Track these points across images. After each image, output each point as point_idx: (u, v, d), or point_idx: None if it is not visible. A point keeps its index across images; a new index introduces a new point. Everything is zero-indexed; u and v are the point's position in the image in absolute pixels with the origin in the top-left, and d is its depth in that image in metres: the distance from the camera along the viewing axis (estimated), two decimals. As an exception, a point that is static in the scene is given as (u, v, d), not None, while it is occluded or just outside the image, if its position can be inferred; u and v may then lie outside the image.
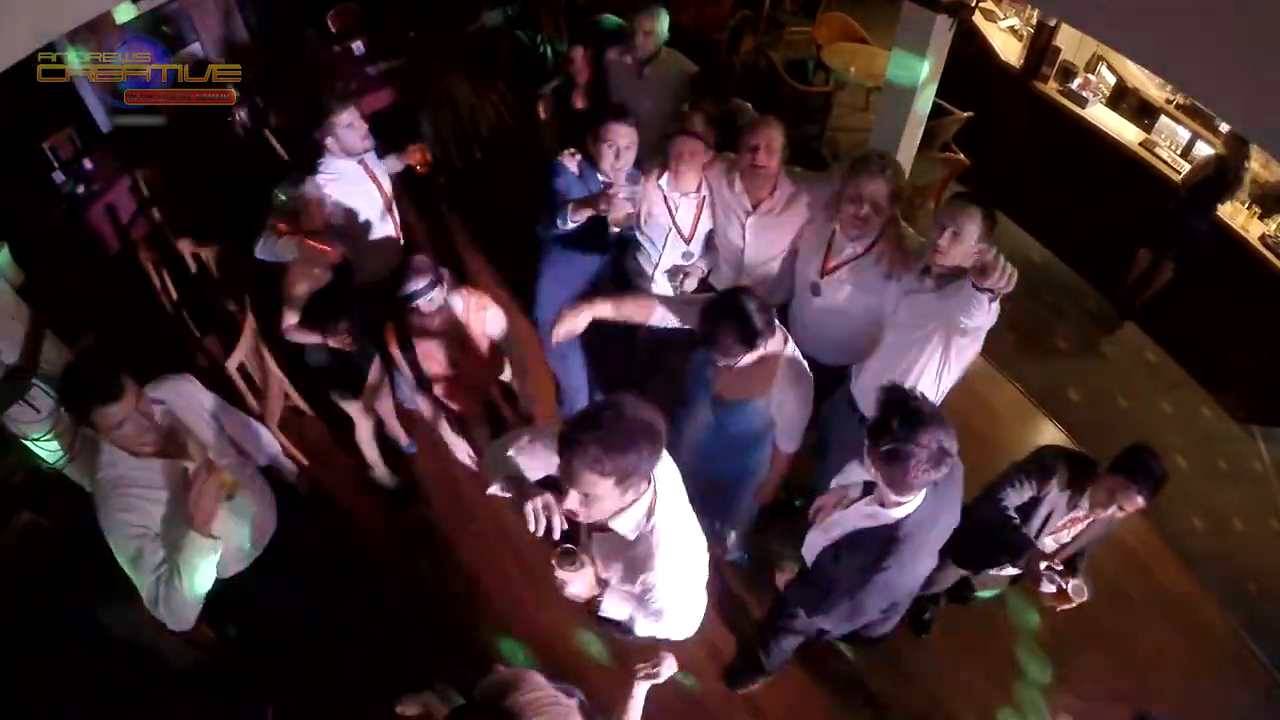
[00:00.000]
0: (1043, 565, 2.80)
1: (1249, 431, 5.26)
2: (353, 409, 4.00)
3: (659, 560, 2.11)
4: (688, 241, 3.63)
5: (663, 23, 4.31)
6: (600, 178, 3.47)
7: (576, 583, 2.19)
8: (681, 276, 3.65)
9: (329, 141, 3.57)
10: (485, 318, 3.39)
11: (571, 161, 3.52)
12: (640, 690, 2.21)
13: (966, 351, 3.00)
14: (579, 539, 2.34)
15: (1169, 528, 4.54)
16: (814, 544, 2.69)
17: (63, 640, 3.27)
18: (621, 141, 3.33)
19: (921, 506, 2.28)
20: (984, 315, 2.65)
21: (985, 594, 3.54)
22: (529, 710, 1.66)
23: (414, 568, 4.10)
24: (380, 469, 4.30)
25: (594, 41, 4.50)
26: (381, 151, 3.92)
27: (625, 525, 2.08)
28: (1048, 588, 2.84)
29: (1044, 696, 3.83)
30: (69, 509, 3.56)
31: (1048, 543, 3.00)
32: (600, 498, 1.89)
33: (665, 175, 3.52)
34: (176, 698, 3.37)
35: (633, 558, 2.15)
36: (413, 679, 3.62)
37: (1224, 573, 4.40)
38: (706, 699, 3.70)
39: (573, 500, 1.91)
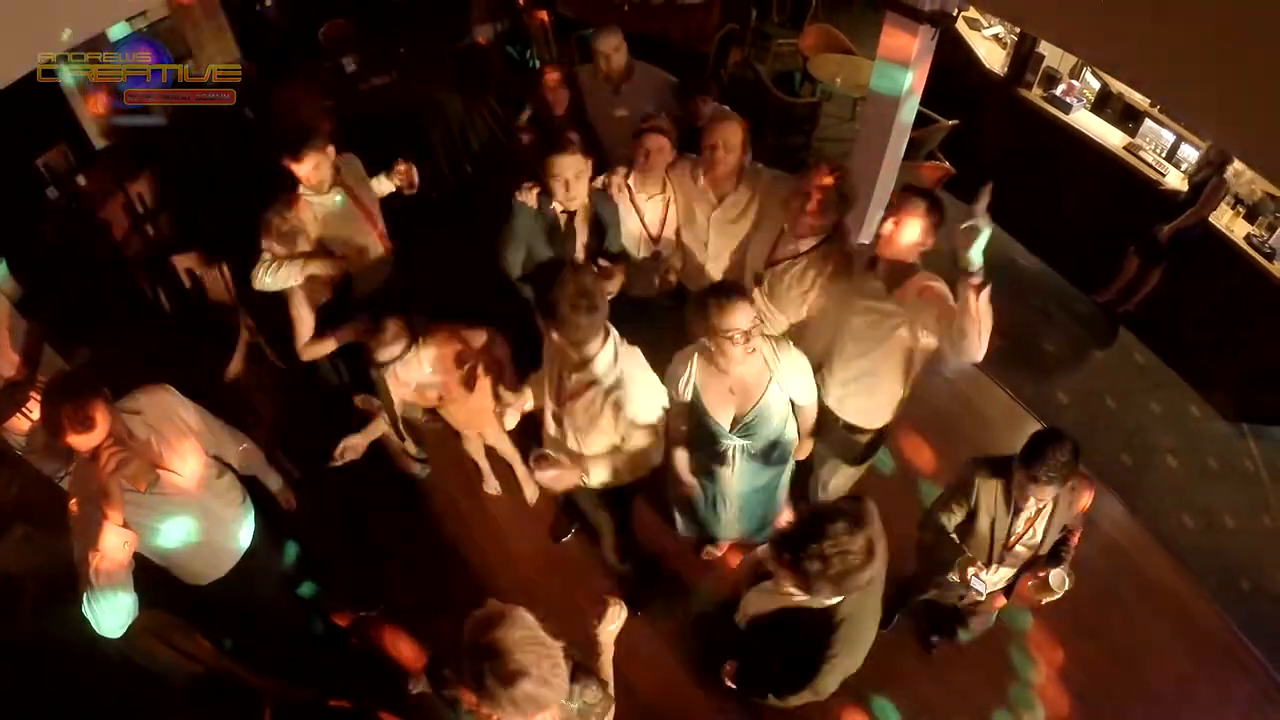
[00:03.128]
0: (970, 571, 2.93)
1: (1238, 429, 5.28)
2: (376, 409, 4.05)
3: (633, 391, 2.69)
4: (655, 241, 3.81)
5: (620, 41, 4.35)
6: (556, 208, 3.53)
7: (562, 477, 2.79)
8: (662, 274, 3.78)
9: (299, 172, 3.61)
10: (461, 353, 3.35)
11: (530, 195, 3.56)
12: (606, 639, 2.39)
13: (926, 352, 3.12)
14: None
15: (1160, 527, 4.55)
16: (743, 613, 2.68)
17: (60, 652, 3.27)
18: (569, 173, 3.36)
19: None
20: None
21: (978, 627, 3.55)
22: (514, 648, 1.75)
23: (408, 574, 4.13)
24: (405, 461, 4.39)
25: (579, 58, 4.53)
26: (370, 170, 3.97)
27: (601, 367, 2.64)
28: (977, 587, 2.95)
29: (1038, 696, 3.84)
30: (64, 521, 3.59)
31: (1020, 551, 2.98)
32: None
33: (632, 175, 3.68)
34: (173, 708, 3.37)
35: (614, 399, 2.69)
36: (403, 684, 3.68)
37: (1217, 570, 4.40)
38: (705, 699, 3.71)
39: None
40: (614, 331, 2.71)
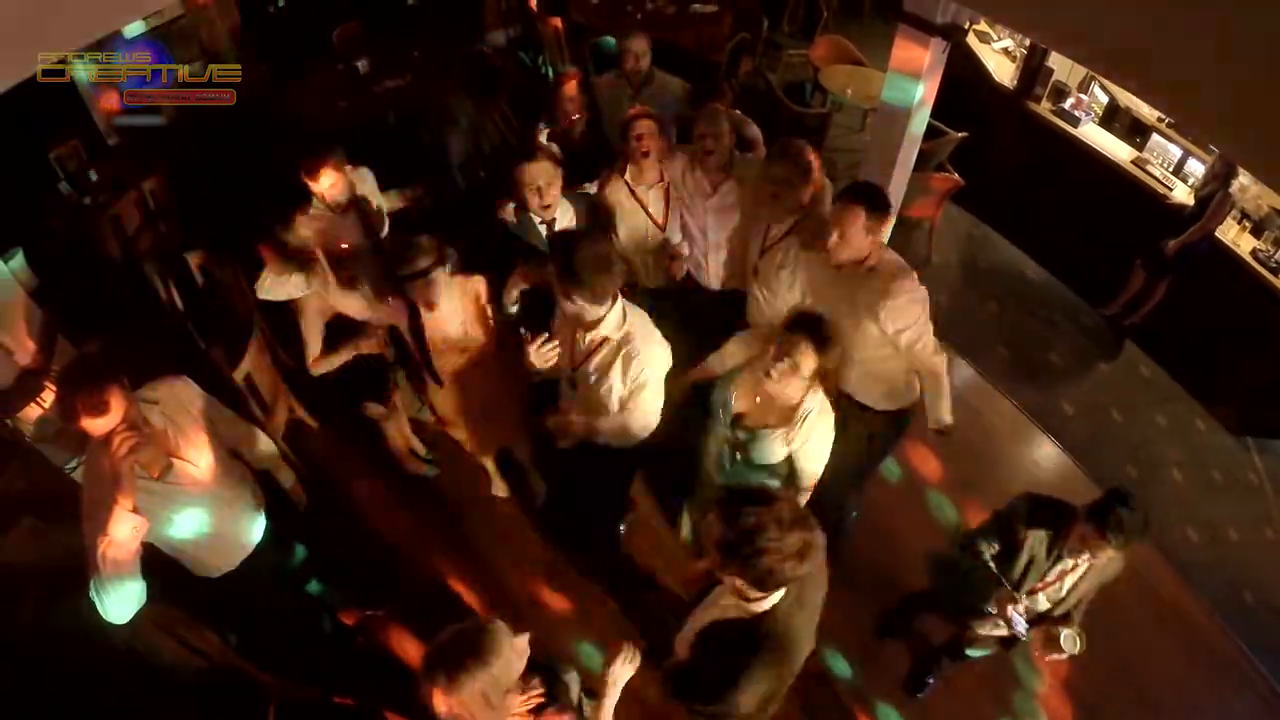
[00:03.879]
0: (1010, 608, 2.84)
1: (1243, 443, 5.31)
2: (382, 416, 4.08)
3: (641, 345, 2.87)
4: (662, 229, 3.86)
5: (647, 45, 4.43)
6: (535, 219, 3.64)
7: (565, 424, 3.07)
8: (668, 261, 3.82)
9: (315, 189, 3.66)
10: (480, 293, 3.38)
11: (508, 211, 3.69)
12: (613, 681, 2.36)
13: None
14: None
15: (1164, 539, 4.55)
16: (683, 636, 2.54)
17: (65, 646, 3.28)
18: (540, 180, 3.47)
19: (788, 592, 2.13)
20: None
21: (976, 653, 3.53)
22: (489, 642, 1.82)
23: (415, 573, 4.15)
24: (412, 463, 4.45)
25: (592, 65, 4.58)
26: (384, 182, 4.03)
27: (611, 323, 2.84)
28: (1019, 627, 2.86)
29: (1041, 706, 3.84)
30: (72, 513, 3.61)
31: (1041, 600, 2.93)
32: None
33: (628, 168, 3.75)
34: (178, 702, 3.38)
35: (625, 353, 2.88)
36: (408, 681, 3.68)
37: (1220, 583, 4.42)
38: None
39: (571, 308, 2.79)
40: (619, 295, 2.91)
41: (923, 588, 3.68)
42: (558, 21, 7.22)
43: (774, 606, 2.14)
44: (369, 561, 4.14)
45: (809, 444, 2.93)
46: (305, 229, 3.48)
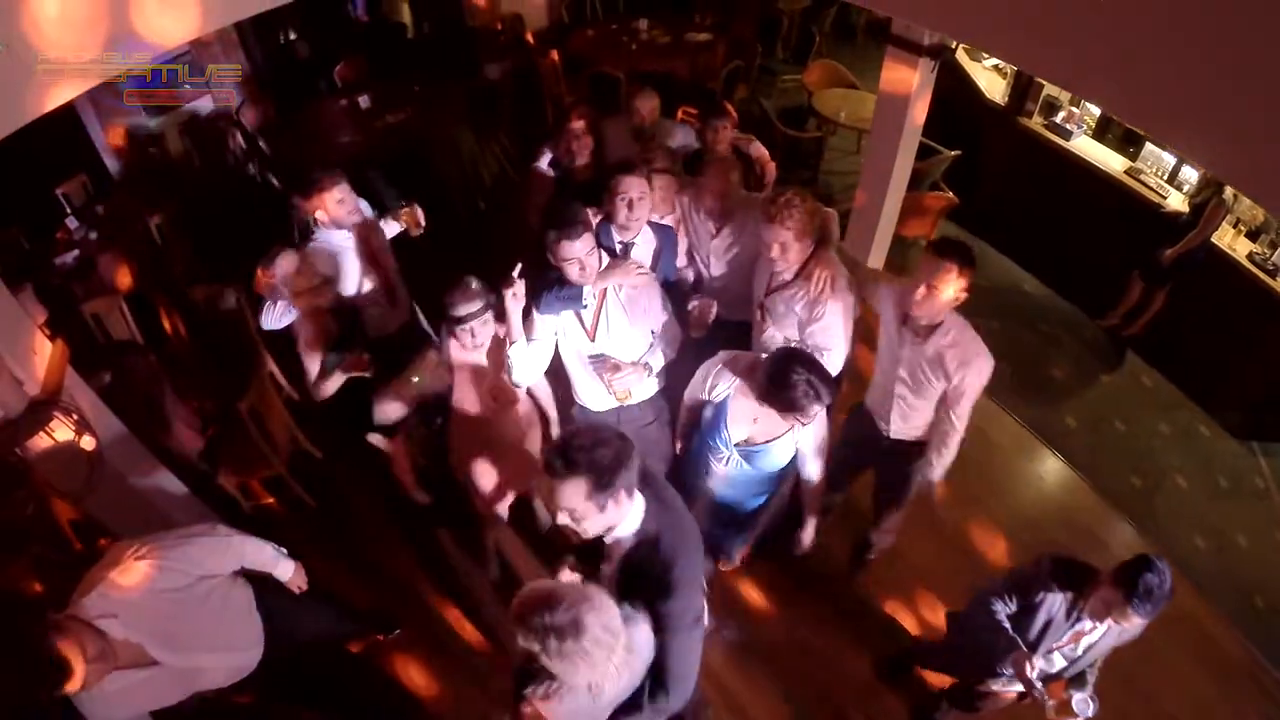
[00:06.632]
0: (1028, 668, 2.73)
1: (1248, 448, 5.29)
2: (389, 445, 4.08)
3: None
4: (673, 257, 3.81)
5: (657, 102, 4.49)
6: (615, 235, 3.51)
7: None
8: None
9: (319, 215, 3.60)
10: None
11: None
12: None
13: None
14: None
15: (1173, 547, 4.54)
16: None
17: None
18: (634, 192, 3.33)
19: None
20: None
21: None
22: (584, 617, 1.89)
23: (417, 601, 4.17)
24: (417, 492, 4.36)
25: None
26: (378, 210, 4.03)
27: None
28: (1037, 690, 2.74)
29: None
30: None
31: (1056, 659, 2.86)
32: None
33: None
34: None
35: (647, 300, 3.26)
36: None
37: (1231, 590, 4.39)
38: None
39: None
40: None
41: (929, 623, 3.65)
42: (554, 54, 7.34)
43: None
44: (374, 589, 4.15)
45: (814, 444, 3.08)
46: (297, 261, 3.49)
